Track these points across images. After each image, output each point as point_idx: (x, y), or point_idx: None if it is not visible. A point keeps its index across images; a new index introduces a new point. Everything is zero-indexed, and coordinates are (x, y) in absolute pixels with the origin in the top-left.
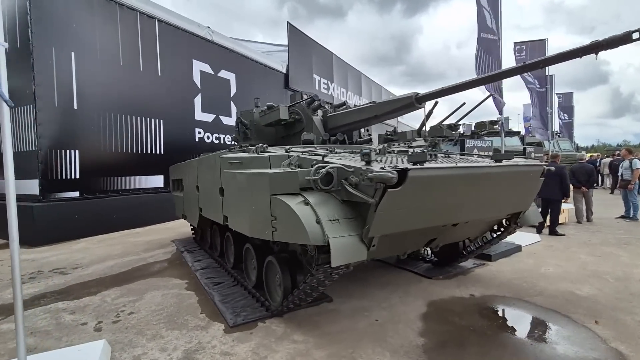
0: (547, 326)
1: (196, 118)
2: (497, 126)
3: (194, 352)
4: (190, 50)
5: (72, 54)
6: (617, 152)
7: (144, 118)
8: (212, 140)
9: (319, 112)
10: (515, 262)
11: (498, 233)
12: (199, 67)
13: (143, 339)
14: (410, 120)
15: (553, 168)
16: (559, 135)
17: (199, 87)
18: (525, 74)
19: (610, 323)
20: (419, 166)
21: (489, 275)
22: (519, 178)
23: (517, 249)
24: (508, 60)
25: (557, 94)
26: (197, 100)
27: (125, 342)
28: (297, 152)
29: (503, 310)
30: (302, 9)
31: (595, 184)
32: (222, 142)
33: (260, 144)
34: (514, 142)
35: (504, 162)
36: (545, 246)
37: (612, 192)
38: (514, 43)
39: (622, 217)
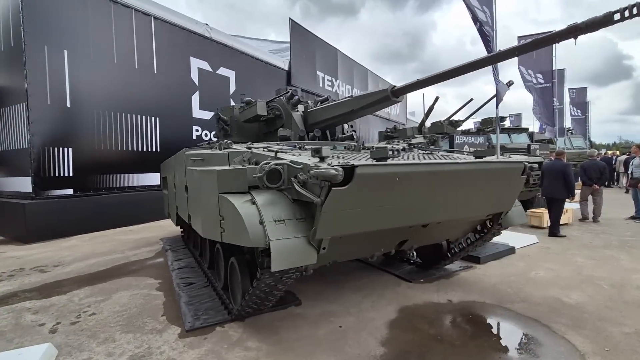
0: (522, 337)
1: (194, 115)
2: (503, 123)
3: (140, 357)
4: (187, 48)
5: (65, 52)
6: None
7: (139, 116)
8: (210, 138)
9: (300, 108)
10: (505, 265)
11: (481, 234)
12: (196, 64)
13: (93, 343)
14: (419, 117)
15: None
16: (571, 132)
17: (197, 84)
18: (524, 70)
19: (592, 335)
20: (371, 162)
21: (474, 279)
22: (495, 176)
23: (510, 250)
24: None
25: (569, 89)
26: (195, 98)
27: (74, 345)
28: (260, 148)
29: (479, 318)
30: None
31: (610, 182)
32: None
33: (225, 141)
34: (522, 139)
35: (485, 159)
36: (541, 248)
37: (627, 191)
38: (518, 37)
39: (632, 217)
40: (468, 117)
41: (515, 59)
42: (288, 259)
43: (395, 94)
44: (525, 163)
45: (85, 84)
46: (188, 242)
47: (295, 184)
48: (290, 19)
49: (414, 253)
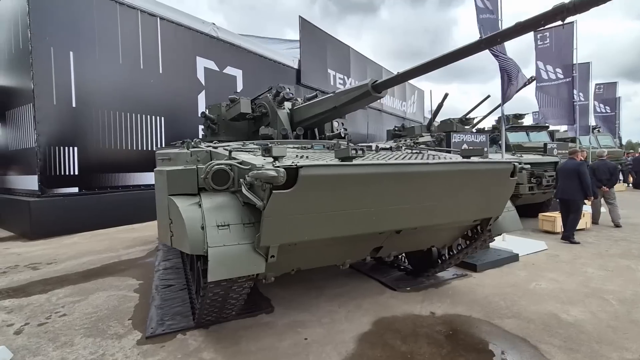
0: (505, 359)
1: (200, 115)
2: (521, 120)
3: None
4: (194, 47)
5: (71, 53)
6: None
7: (144, 115)
8: None
9: (287, 105)
10: (504, 274)
11: (472, 241)
12: (203, 63)
13: (51, 347)
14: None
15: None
16: (598, 130)
17: (203, 84)
18: (541, 66)
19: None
20: (320, 163)
21: (466, 289)
22: (479, 179)
23: (513, 258)
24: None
25: (596, 84)
26: (201, 97)
27: (32, 348)
28: (220, 147)
29: (459, 335)
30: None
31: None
32: None
33: (195, 139)
34: (541, 138)
35: (470, 160)
36: (549, 256)
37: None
38: (534, 31)
39: None
40: (489, 114)
41: (533, 53)
42: (228, 268)
43: (377, 89)
44: (515, 164)
45: (91, 85)
46: None
47: (242, 186)
48: (300, 16)
49: (404, 259)
